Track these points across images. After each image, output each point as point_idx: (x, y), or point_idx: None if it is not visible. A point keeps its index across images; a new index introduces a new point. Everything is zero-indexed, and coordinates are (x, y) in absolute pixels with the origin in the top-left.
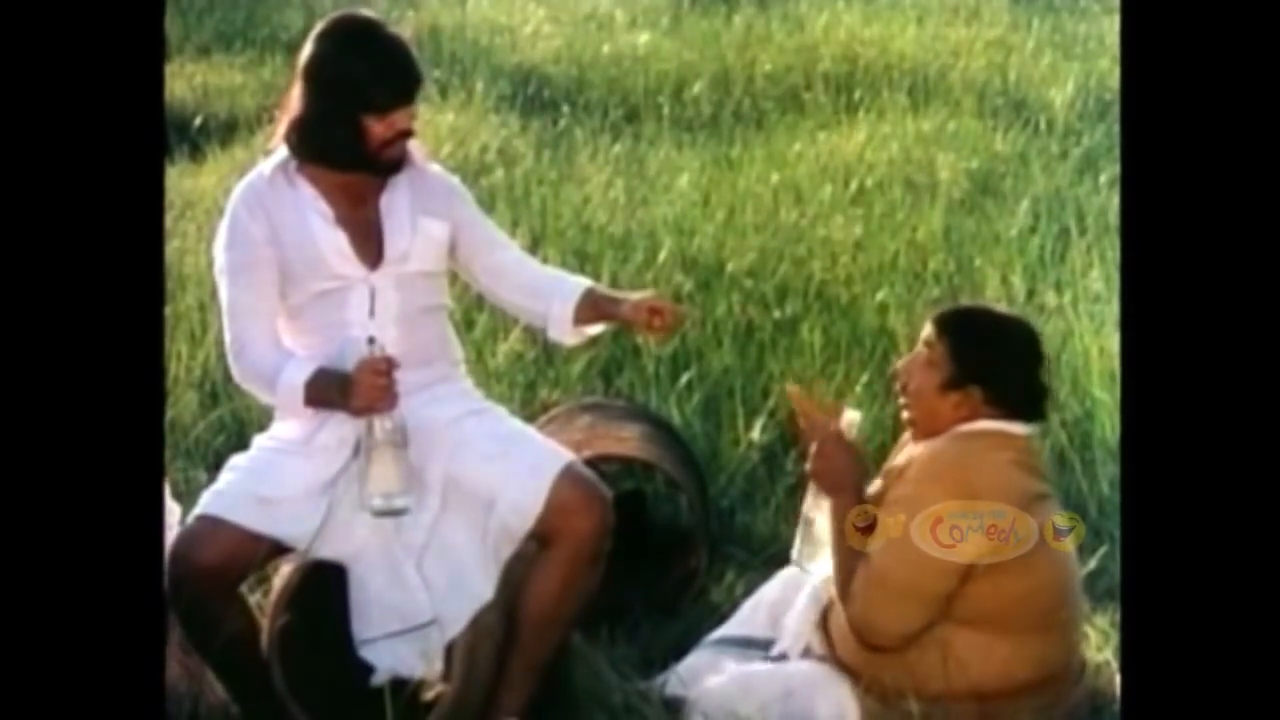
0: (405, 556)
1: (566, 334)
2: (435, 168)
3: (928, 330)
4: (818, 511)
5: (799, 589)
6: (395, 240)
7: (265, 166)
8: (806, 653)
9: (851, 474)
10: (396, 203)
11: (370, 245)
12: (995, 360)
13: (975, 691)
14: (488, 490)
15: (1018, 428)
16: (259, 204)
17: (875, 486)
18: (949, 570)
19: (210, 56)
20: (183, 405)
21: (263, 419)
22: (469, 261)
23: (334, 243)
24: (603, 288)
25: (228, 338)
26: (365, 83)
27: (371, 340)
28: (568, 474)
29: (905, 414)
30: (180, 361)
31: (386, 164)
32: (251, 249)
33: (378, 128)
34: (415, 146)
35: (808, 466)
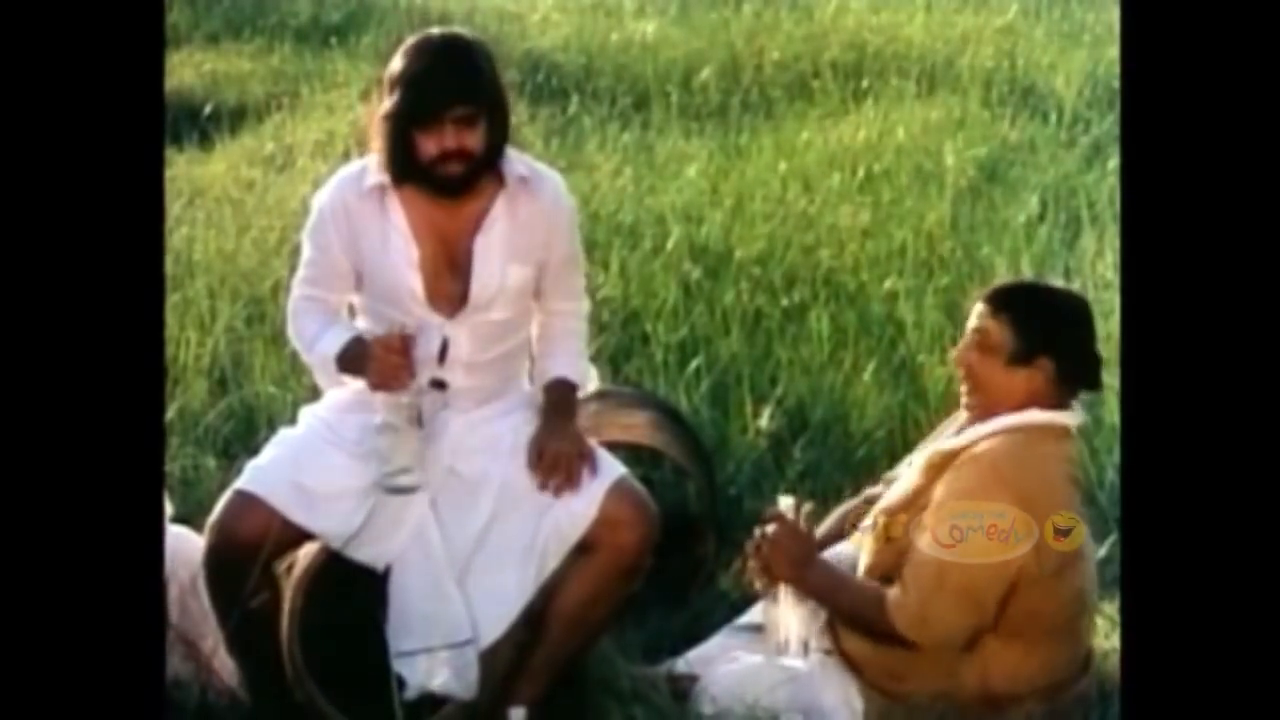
0: (449, 569)
1: None
2: (547, 197)
3: (980, 312)
4: (778, 607)
5: None
6: (480, 290)
7: (366, 178)
8: (805, 649)
9: (809, 551)
10: (490, 246)
11: (452, 289)
12: (1061, 329)
13: (984, 694)
14: (543, 495)
15: (1071, 418)
16: (345, 215)
17: (918, 465)
18: (1002, 575)
19: (219, 44)
20: (192, 393)
21: (273, 407)
22: (536, 296)
23: (411, 287)
24: (564, 393)
25: (289, 304)
26: (405, 93)
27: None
28: (619, 486)
29: (968, 401)
30: (189, 349)
31: (439, 180)
32: (326, 253)
33: (426, 144)
34: (526, 168)
35: (754, 569)
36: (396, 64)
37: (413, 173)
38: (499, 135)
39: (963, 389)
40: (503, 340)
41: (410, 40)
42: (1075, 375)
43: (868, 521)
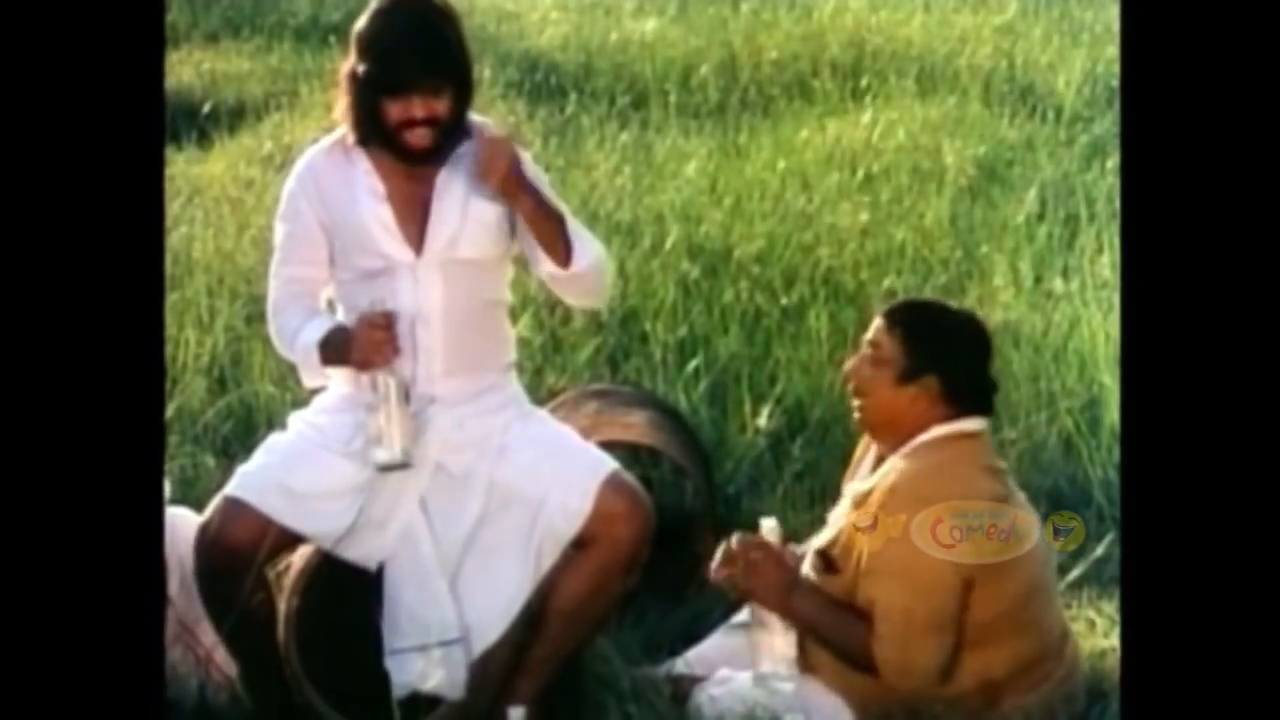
0: (440, 567)
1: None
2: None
3: (876, 327)
4: (762, 633)
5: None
6: (441, 224)
7: (327, 140)
8: (791, 669)
9: (793, 578)
10: (452, 182)
11: (420, 226)
12: (950, 349)
13: (958, 698)
14: (536, 492)
15: (973, 424)
16: (312, 179)
17: (844, 507)
18: (955, 584)
19: (218, 43)
20: (191, 392)
21: (272, 406)
22: (523, 242)
23: (380, 218)
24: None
25: (270, 300)
26: (376, 63)
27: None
28: (613, 480)
29: (858, 415)
30: (188, 348)
31: (407, 149)
32: (298, 222)
33: (393, 110)
34: (482, 122)
35: (728, 582)
36: (364, 26)
37: (379, 136)
38: (465, 99)
39: (853, 402)
40: (480, 287)
41: (385, 5)
42: (962, 396)
43: (807, 565)
